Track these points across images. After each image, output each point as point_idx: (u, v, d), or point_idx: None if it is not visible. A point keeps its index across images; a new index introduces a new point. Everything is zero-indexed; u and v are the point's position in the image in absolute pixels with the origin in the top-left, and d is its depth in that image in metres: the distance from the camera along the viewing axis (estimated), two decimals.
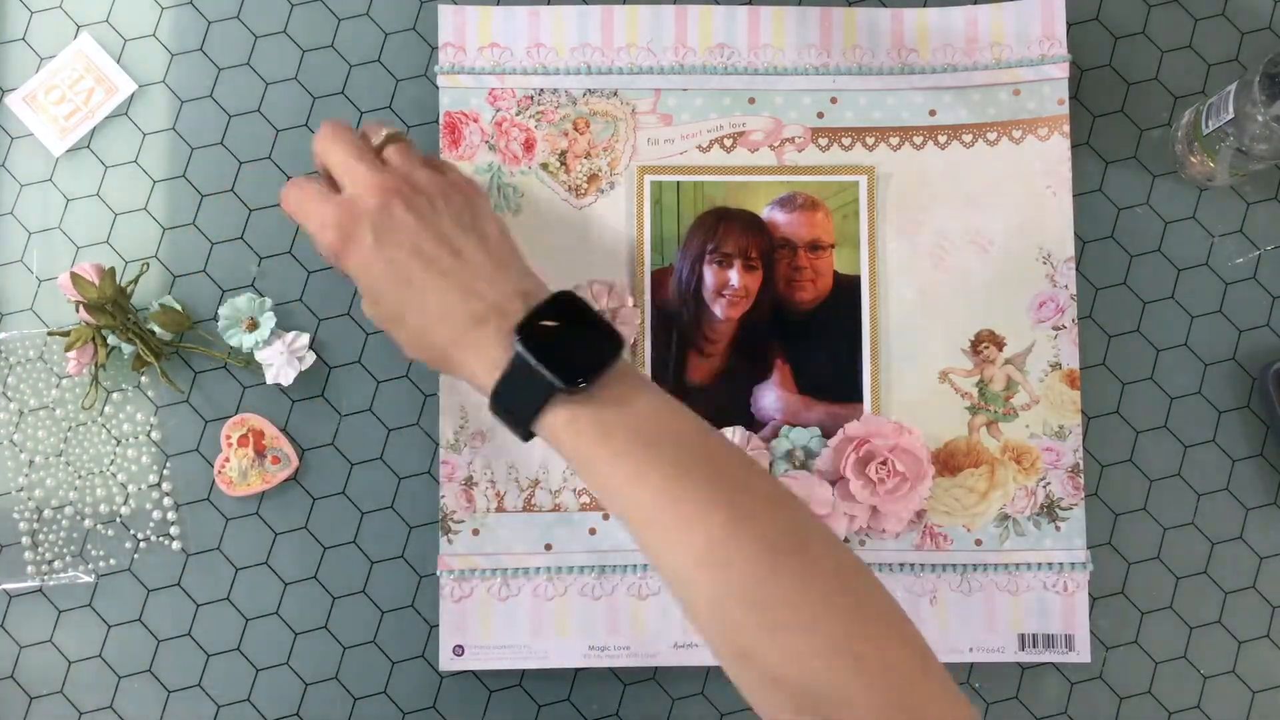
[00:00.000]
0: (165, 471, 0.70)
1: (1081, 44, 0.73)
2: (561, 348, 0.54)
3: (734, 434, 0.69)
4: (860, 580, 0.52)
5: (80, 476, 0.69)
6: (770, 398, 0.70)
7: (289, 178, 0.71)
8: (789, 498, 0.54)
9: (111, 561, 0.69)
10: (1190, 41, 0.74)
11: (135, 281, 0.69)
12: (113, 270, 0.67)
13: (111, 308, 0.67)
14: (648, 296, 0.70)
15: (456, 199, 0.59)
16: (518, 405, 0.55)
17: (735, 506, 0.51)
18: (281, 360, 0.68)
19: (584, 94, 0.71)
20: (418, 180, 0.58)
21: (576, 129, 0.71)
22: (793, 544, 0.51)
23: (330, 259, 0.59)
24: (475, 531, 0.69)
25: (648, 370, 0.70)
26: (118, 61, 0.72)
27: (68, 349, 0.67)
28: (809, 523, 0.53)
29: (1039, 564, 0.69)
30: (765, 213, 0.71)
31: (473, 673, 0.69)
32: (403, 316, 0.57)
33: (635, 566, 0.68)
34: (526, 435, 0.56)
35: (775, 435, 0.69)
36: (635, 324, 0.70)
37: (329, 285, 0.71)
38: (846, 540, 0.68)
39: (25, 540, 0.69)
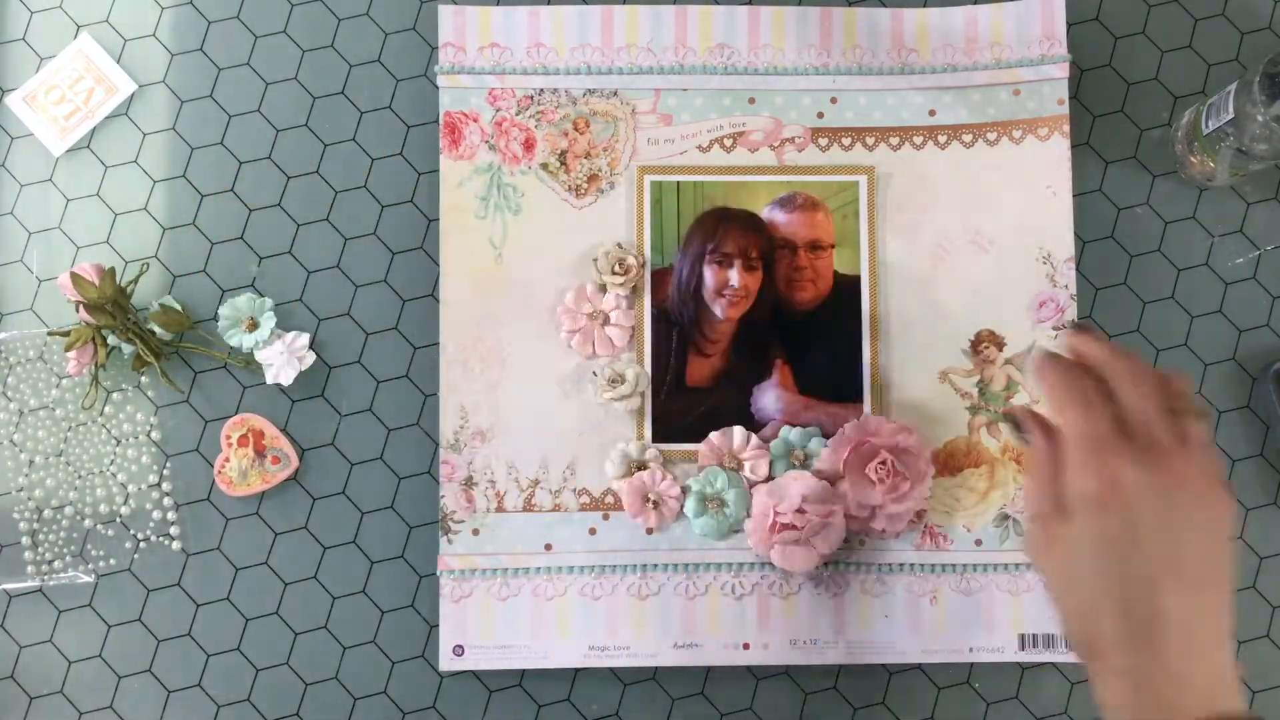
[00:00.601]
0: (165, 471, 0.70)
1: (1081, 44, 0.73)
2: None
3: (734, 434, 0.69)
4: None
5: (80, 476, 0.70)
6: (770, 398, 0.70)
7: (289, 178, 0.72)
8: None
9: (111, 561, 0.69)
10: (1190, 41, 0.74)
11: (135, 281, 0.69)
12: (113, 270, 0.67)
13: (111, 308, 0.67)
14: (648, 296, 0.70)
15: (1219, 537, 0.49)
16: None
17: None
18: (281, 360, 0.68)
19: (584, 94, 0.71)
20: (1202, 493, 0.49)
21: (576, 129, 0.71)
22: None
23: (1067, 496, 0.50)
24: (475, 531, 0.69)
25: (647, 371, 0.70)
26: (118, 61, 0.72)
27: (68, 349, 0.67)
28: None
29: None
30: (765, 213, 0.71)
31: (473, 673, 0.69)
32: (1092, 610, 0.48)
33: (635, 567, 0.68)
34: None
35: (775, 435, 0.69)
36: (629, 324, 0.70)
37: (329, 285, 0.71)
38: (846, 540, 0.68)
39: (25, 540, 0.69)
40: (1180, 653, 0.47)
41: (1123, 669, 0.48)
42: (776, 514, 0.67)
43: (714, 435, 0.69)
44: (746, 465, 0.68)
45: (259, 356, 0.68)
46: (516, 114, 0.71)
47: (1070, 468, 0.50)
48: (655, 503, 0.68)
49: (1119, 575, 0.48)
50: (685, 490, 0.68)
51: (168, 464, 0.70)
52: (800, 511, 0.67)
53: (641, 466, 0.69)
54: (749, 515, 0.68)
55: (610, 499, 0.69)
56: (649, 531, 0.69)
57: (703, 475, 0.68)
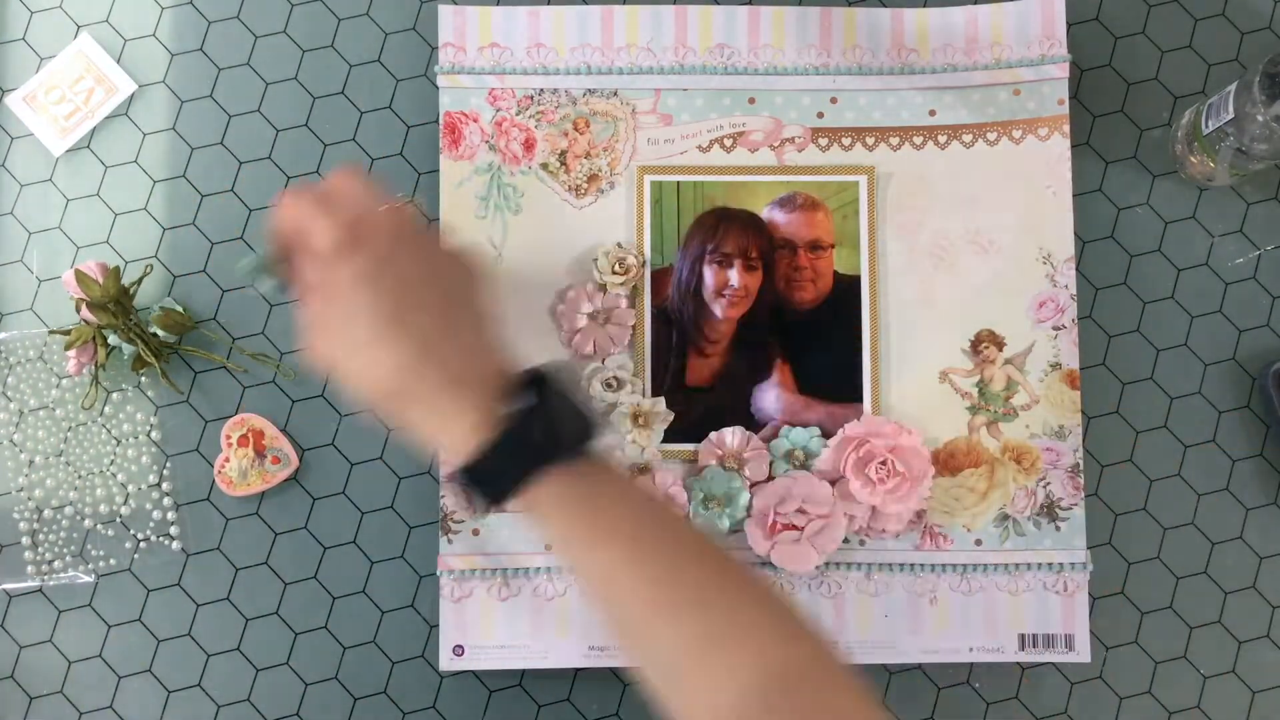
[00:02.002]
0: (165, 471, 0.70)
1: (1081, 44, 0.73)
2: (548, 420, 0.53)
3: (734, 434, 0.69)
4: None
5: (80, 476, 0.69)
6: (770, 398, 0.70)
7: (289, 178, 0.72)
8: (769, 599, 0.55)
9: (111, 561, 0.69)
10: (1190, 41, 0.74)
11: (139, 283, 0.69)
12: (117, 269, 0.67)
13: (114, 307, 0.67)
14: (648, 296, 0.70)
15: (460, 265, 0.57)
16: (499, 473, 0.53)
17: (714, 623, 0.52)
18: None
19: (584, 94, 0.71)
20: (428, 238, 0.57)
21: (576, 129, 0.71)
22: (778, 653, 0.52)
23: (318, 256, 0.55)
24: (475, 531, 0.69)
25: (648, 370, 0.70)
26: (118, 61, 0.72)
27: (68, 348, 0.67)
28: (788, 626, 0.54)
29: (1039, 564, 0.69)
30: (765, 213, 0.71)
31: (473, 673, 0.69)
32: (372, 349, 0.53)
33: None
34: (493, 506, 0.54)
35: (775, 435, 0.69)
36: (630, 324, 0.70)
37: None
38: (846, 540, 0.68)
39: (25, 540, 0.69)
40: (454, 362, 0.54)
41: (413, 395, 0.53)
42: (777, 514, 0.67)
43: (713, 435, 0.69)
44: (746, 465, 0.68)
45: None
46: (516, 114, 0.71)
47: (317, 254, 0.54)
48: None
49: (371, 345, 0.53)
50: (687, 490, 0.68)
51: (168, 464, 0.70)
52: (800, 512, 0.67)
53: (644, 470, 0.69)
54: (749, 515, 0.68)
55: None
56: None
57: (705, 476, 0.68)
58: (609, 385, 0.69)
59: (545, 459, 0.53)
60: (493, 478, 0.54)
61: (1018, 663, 0.69)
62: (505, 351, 0.56)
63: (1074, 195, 0.71)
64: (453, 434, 0.53)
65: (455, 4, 0.72)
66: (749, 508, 0.68)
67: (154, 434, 0.70)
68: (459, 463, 0.53)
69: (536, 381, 0.54)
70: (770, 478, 0.69)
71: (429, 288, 0.55)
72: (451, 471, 0.54)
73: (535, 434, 0.53)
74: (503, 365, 0.55)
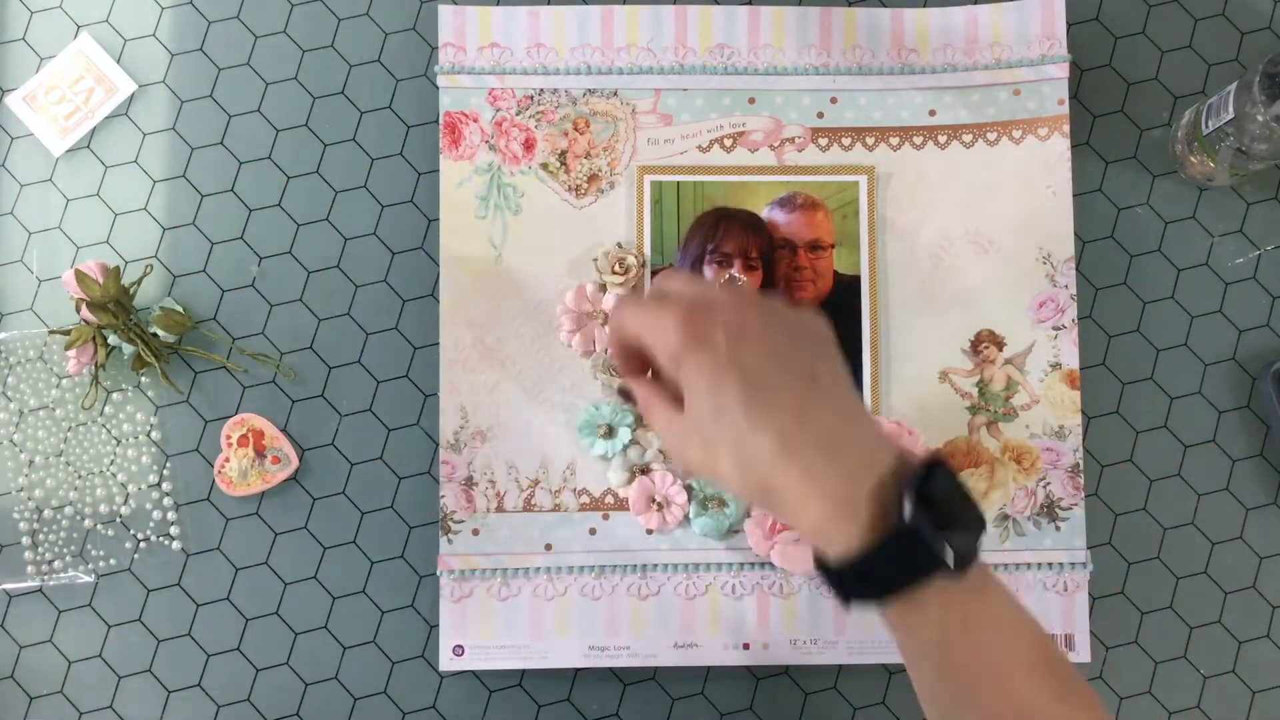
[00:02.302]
0: (165, 471, 0.70)
1: (1081, 44, 0.73)
2: (946, 523, 0.48)
3: None
4: None
5: (80, 476, 0.70)
6: None
7: (289, 178, 0.72)
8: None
9: (111, 561, 0.69)
10: (1190, 41, 0.74)
11: (139, 283, 0.69)
12: (118, 269, 0.67)
13: (114, 307, 0.67)
14: None
15: (811, 322, 0.53)
16: (885, 576, 0.48)
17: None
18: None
19: (584, 94, 0.71)
20: (773, 305, 0.52)
21: (576, 129, 0.71)
22: None
23: (669, 360, 0.51)
24: (475, 531, 0.69)
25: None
26: (118, 61, 0.72)
27: (68, 348, 0.67)
28: None
29: (1039, 564, 0.69)
30: (765, 213, 0.71)
31: (473, 673, 0.69)
32: (744, 438, 0.49)
33: (635, 566, 0.68)
34: (853, 604, 0.50)
35: None
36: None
37: (329, 285, 0.71)
38: None
39: (25, 540, 0.69)
40: (827, 443, 0.49)
41: (787, 482, 0.49)
42: None
43: None
44: None
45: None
46: (516, 114, 0.71)
47: (662, 355, 0.52)
48: (660, 505, 0.68)
49: (738, 403, 0.49)
50: (687, 490, 0.68)
51: (168, 464, 0.70)
52: None
53: (644, 470, 0.69)
54: (748, 515, 0.68)
55: (610, 499, 0.69)
56: (649, 531, 0.69)
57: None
58: (613, 371, 0.69)
59: (936, 565, 0.47)
60: (876, 579, 0.49)
61: None
62: (875, 424, 0.51)
63: (1074, 195, 0.71)
64: (836, 528, 0.48)
65: (455, 4, 0.72)
66: (749, 509, 0.68)
67: (154, 434, 0.70)
68: (837, 558, 0.49)
69: (930, 474, 0.48)
70: None
71: (791, 359, 0.50)
72: (821, 562, 0.50)
73: (929, 536, 0.47)
74: (884, 446, 0.50)
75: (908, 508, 0.47)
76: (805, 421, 0.49)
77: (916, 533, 0.47)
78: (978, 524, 0.49)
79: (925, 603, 0.48)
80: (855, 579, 0.49)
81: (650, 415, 0.54)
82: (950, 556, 0.47)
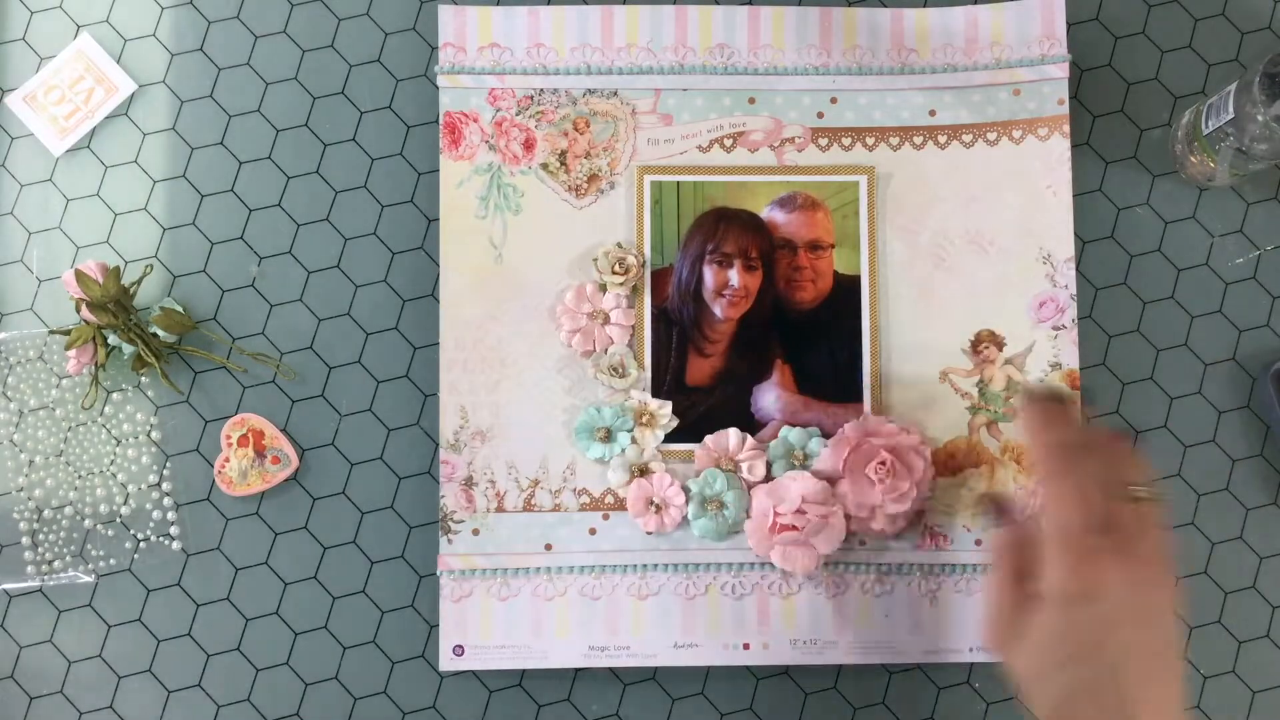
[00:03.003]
0: (165, 471, 0.70)
1: (1081, 44, 0.73)
2: None
3: (729, 436, 0.69)
4: None
5: (80, 476, 0.70)
6: (770, 398, 0.70)
7: (289, 179, 0.72)
8: None
9: (111, 561, 0.69)
10: (1190, 41, 0.74)
11: (139, 283, 0.69)
12: (118, 269, 0.67)
13: (114, 307, 0.67)
14: (648, 296, 0.70)
15: (1173, 591, 0.51)
16: None
17: None
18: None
19: (584, 94, 0.71)
20: (1166, 580, 0.51)
21: (576, 129, 0.71)
22: None
23: (1052, 591, 0.50)
24: (475, 531, 0.69)
25: (648, 371, 0.70)
26: (118, 61, 0.72)
27: (68, 348, 0.67)
28: None
29: None
30: (765, 213, 0.71)
31: (473, 673, 0.69)
32: (1063, 690, 0.49)
33: (635, 566, 0.68)
34: None
35: (775, 435, 0.69)
36: (630, 324, 0.70)
37: (329, 285, 0.71)
38: (846, 540, 0.68)
39: (25, 540, 0.69)
40: None
41: None
42: (776, 515, 0.67)
43: (709, 439, 0.69)
44: (743, 467, 0.68)
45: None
46: (516, 114, 0.71)
47: (1051, 563, 0.51)
48: (659, 507, 0.68)
49: (1093, 666, 0.50)
50: (685, 492, 0.68)
51: (168, 464, 0.70)
52: (800, 512, 0.67)
53: (644, 471, 0.69)
54: (749, 516, 0.68)
55: (610, 499, 0.69)
56: (649, 532, 0.69)
57: (702, 477, 0.68)
58: (614, 371, 0.69)
59: None
60: None
61: None
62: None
63: (1074, 195, 0.71)
64: None
65: (455, 4, 0.72)
66: (748, 509, 0.68)
67: (154, 434, 0.70)
68: None
69: None
70: (769, 478, 0.69)
71: (1142, 628, 0.50)
72: None
73: None
74: None
75: None
76: (1149, 688, 0.49)
77: None
78: None
79: None
80: None
81: (995, 577, 0.53)
82: None
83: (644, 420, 0.69)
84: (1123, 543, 0.51)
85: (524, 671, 0.69)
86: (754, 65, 0.72)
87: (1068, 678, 0.50)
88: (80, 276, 0.66)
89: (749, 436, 0.69)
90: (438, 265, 0.70)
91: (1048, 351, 0.70)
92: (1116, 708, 0.49)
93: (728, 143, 0.71)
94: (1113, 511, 0.51)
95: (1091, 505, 0.51)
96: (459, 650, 0.68)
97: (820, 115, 0.71)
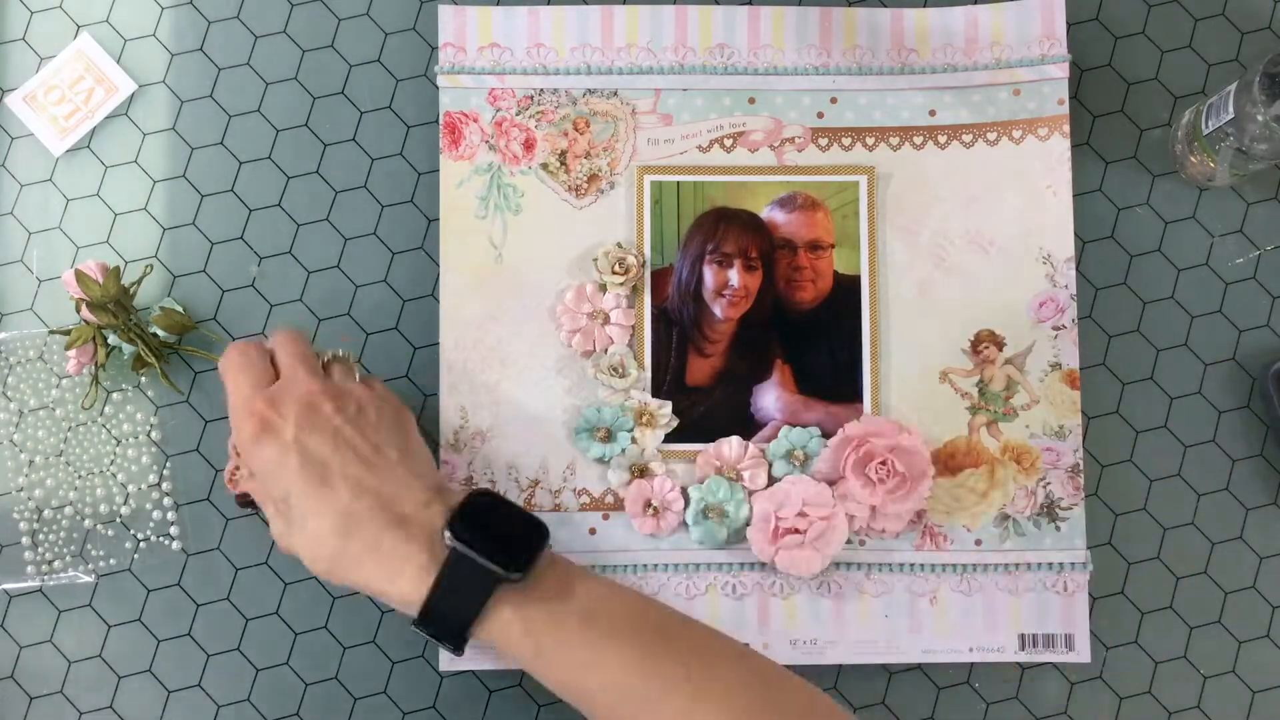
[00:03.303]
0: (165, 471, 0.70)
1: (1081, 44, 0.73)
2: (491, 541, 0.54)
3: (731, 445, 0.69)
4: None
5: (80, 476, 0.70)
6: (770, 398, 0.70)
7: (289, 178, 0.72)
8: (747, 654, 0.56)
9: (111, 561, 0.69)
10: (1190, 41, 0.74)
11: (139, 283, 0.69)
12: (118, 269, 0.67)
13: (114, 307, 0.67)
14: (648, 296, 0.70)
15: (386, 409, 0.60)
16: (455, 609, 0.53)
17: (695, 679, 0.52)
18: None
19: (584, 94, 0.71)
20: (349, 388, 0.59)
21: (576, 129, 0.71)
22: (759, 701, 0.53)
23: (243, 449, 0.58)
24: None
25: (648, 371, 0.70)
26: (118, 61, 0.72)
27: (68, 348, 0.67)
28: (770, 673, 0.55)
29: (1039, 564, 0.69)
30: (765, 213, 0.71)
31: (473, 673, 0.69)
32: (309, 520, 0.55)
33: (635, 567, 0.68)
34: (461, 645, 0.55)
35: (775, 436, 0.69)
36: (629, 324, 0.70)
37: (329, 285, 0.71)
38: (848, 541, 0.68)
39: (25, 540, 0.69)
40: (392, 495, 0.55)
41: (356, 560, 0.54)
42: (778, 519, 0.67)
43: (710, 448, 0.69)
44: (745, 475, 0.68)
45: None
46: (516, 114, 0.71)
47: (240, 447, 0.58)
48: (656, 510, 0.68)
49: (306, 513, 0.56)
50: (685, 496, 0.68)
51: (168, 464, 0.70)
52: (801, 515, 0.67)
53: (644, 471, 0.69)
54: (749, 523, 0.68)
55: (610, 499, 0.69)
56: (646, 534, 0.69)
57: (705, 485, 0.68)
58: (614, 371, 0.69)
59: (497, 580, 0.53)
60: (449, 617, 0.54)
61: (1018, 663, 0.69)
62: (438, 483, 0.58)
63: (1074, 195, 0.71)
64: (403, 583, 0.54)
65: (455, 4, 0.72)
66: (749, 518, 0.68)
67: (154, 434, 0.70)
68: (418, 610, 0.54)
69: (471, 505, 0.55)
70: (771, 481, 0.69)
71: (356, 440, 0.57)
72: (412, 624, 0.54)
73: (482, 558, 0.53)
74: (437, 499, 0.56)
75: (447, 535, 0.53)
76: (362, 497, 0.55)
77: (461, 557, 0.53)
78: (536, 532, 0.55)
79: (507, 620, 0.54)
80: (439, 623, 0.54)
81: (262, 504, 0.59)
82: (501, 567, 0.53)
83: (644, 420, 0.69)
84: (278, 389, 0.58)
85: (524, 672, 0.69)
86: (754, 65, 0.72)
87: (299, 545, 0.57)
88: (80, 276, 0.66)
89: (750, 444, 0.69)
90: (438, 265, 0.70)
91: (1048, 351, 0.70)
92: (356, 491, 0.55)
93: (728, 143, 0.71)
94: (282, 384, 0.59)
95: (246, 373, 0.59)
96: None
97: (820, 115, 0.71)
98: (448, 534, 0.54)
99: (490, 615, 0.54)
